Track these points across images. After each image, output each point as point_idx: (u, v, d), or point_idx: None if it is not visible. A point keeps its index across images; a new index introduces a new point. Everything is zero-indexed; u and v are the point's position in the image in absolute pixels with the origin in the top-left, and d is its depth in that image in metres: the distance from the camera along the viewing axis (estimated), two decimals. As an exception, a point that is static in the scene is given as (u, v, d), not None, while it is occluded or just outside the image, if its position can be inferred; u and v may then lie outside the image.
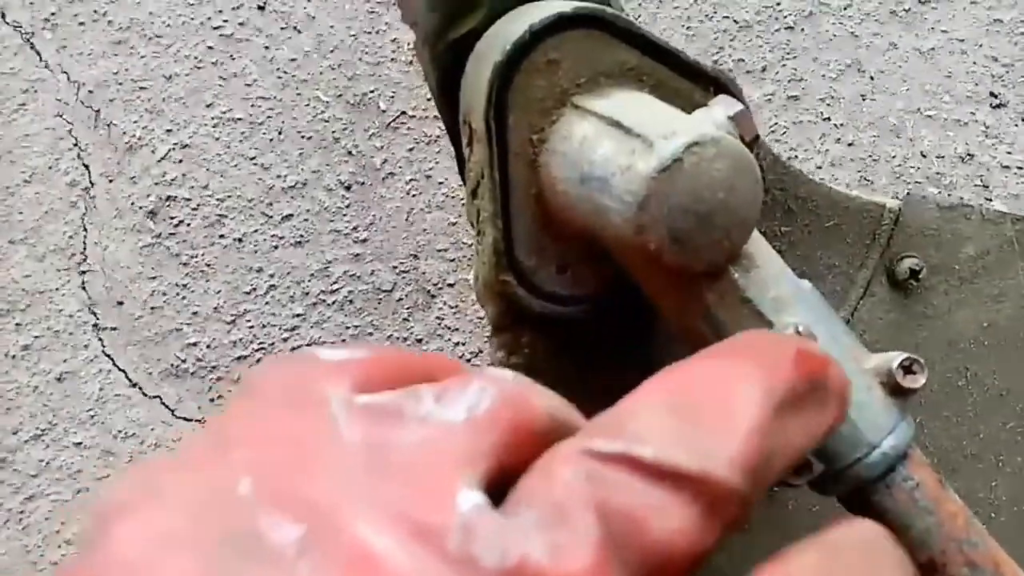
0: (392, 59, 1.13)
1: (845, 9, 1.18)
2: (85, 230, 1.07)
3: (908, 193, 0.69)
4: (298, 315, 1.02)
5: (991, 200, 1.11)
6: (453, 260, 1.07)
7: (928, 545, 0.48)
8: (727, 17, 1.18)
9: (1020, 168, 1.13)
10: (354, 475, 0.25)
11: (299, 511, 0.24)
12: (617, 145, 0.48)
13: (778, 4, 1.19)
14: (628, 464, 0.27)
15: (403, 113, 1.10)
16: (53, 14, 1.15)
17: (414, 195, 1.07)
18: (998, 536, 0.76)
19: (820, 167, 1.13)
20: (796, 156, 1.13)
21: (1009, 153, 1.13)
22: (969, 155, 1.13)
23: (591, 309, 0.59)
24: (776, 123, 1.14)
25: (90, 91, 1.12)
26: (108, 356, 1.03)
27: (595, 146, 0.50)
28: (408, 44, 1.13)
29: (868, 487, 0.49)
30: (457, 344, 1.00)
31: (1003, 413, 0.76)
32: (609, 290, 0.59)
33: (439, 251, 1.05)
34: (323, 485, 0.25)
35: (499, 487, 0.27)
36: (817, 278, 0.67)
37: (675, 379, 0.32)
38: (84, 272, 1.06)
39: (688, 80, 0.55)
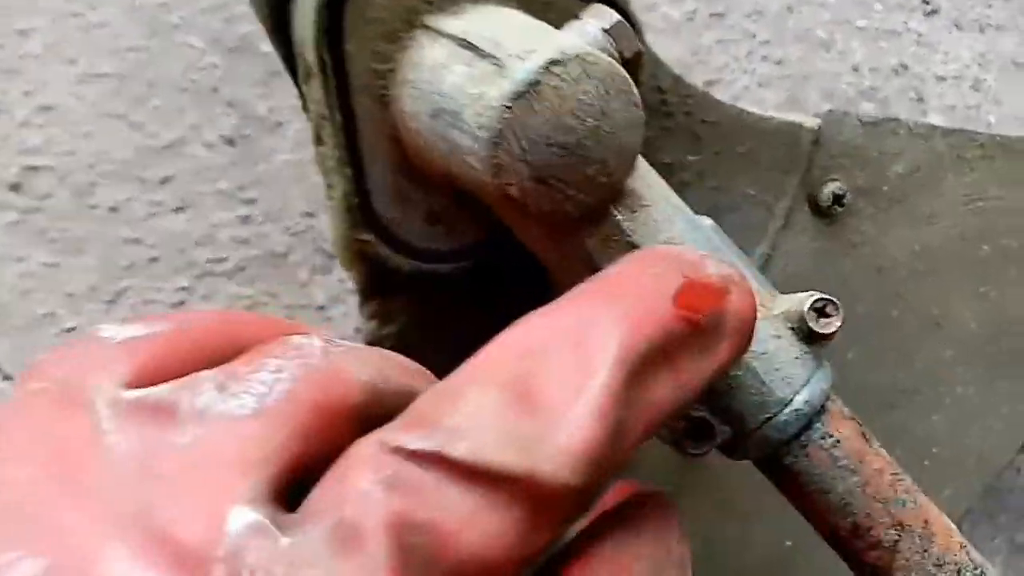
0: (273, -4, 1.02)
1: (766, -86, 1.09)
2: (-61, 209, 0.96)
3: (830, 111, 0.62)
4: (184, 288, 0.92)
5: (927, 114, 1.05)
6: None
7: (852, 508, 0.43)
8: (640, -71, 1.08)
9: (956, 78, 1.07)
10: (117, 493, 0.23)
11: (44, 542, 0.21)
12: (469, 70, 0.40)
13: (694, -88, 1.10)
14: (439, 464, 0.24)
15: (288, 56, 1.00)
16: None
17: (305, 147, 0.97)
18: (940, 470, 0.72)
19: (748, 88, 1.06)
20: (722, 78, 1.05)
21: (944, 63, 1.07)
22: (903, 66, 1.07)
23: (472, 265, 0.52)
24: (699, 43, 1.06)
25: (-70, 51, 0.99)
26: (-23, 348, 0.92)
27: (445, 73, 0.41)
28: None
29: (781, 449, 0.43)
30: (363, 307, 0.92)
31: (940, 341, 0.71)
32: (491, 240, 0.51)
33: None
34: (78, 508, 0.22)
35: (309, 482, 0.24)
36: (732, 211, 0.60)
37: (519, 339, 0.28)
38: (-58, 257, 0.95)
39: (562, -12, 0.47)
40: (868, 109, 1.06)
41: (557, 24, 0.44)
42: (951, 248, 0.69)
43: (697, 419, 0.41)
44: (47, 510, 0.22)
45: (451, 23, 0.44)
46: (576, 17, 0.44)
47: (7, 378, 0.91)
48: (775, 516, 0.72)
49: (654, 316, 0.28)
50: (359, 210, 0.47)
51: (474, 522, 0.23)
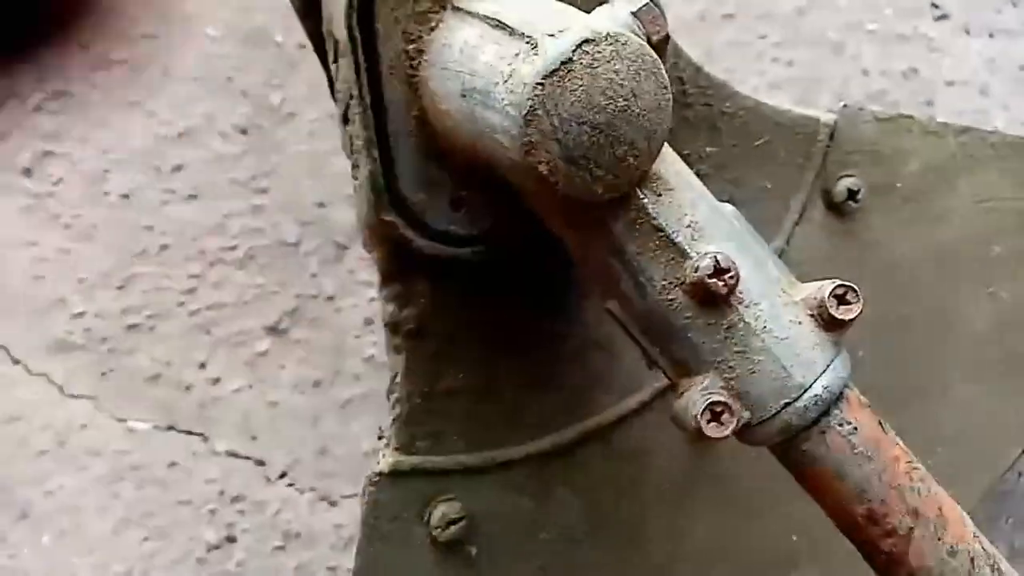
0: (289, -12, 1.02)
1: (779, -82, 1.10)
2: (-49, 193, 0.96)
3: (846, 105, 0.63)
4: (195, 276, 0.92)
5: (936, 117, 1.05)
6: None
7: (867, 495, 0.43)
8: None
9: (965, 83, 1.07)
10: None
11: None
12: (500, 49, 0.40)
13: (708, -85, 1.10)
14: None
15: (302, 47, 1.00)
16: None
17: (318, 137, 0.98)
18: (944, 471, 0.72)
19: (758, 89, 1.06)
20: (733, 79, 1.05)
21: (953, 67, 1.07)
22: (913, 70, 1.07)
23: (494, 249, 0.52)
24: (710, 44, 1.06)
25: (-54, 35, 0.99)
26: (-14, 332, 0.92)
27: (477, 53, 0.42)
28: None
29: (799, 434, 0.43)
30: (372, 300, 0.92)
31: (950, 340, 0.71)
32: (514, 225, 0.51)
33: (348, 197, 0.96)
34: None
35: None
36: (748, 203, 0.60)
37: None
38: (-48, 240, 0.95)
39: (589, -25, 0.47)
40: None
41: (585, 9, 0.44)
42: (962, 247, 0.69)
43: (717, 402, 0.42)
44: None
45: (481, 4, 0.44)
46: (605, 1, 0.45)
47: (17, 362, 0.91)
48: (782, 510, 0.72)
49: None
50: (386, 191, 0.47)
51: None
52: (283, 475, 0.85)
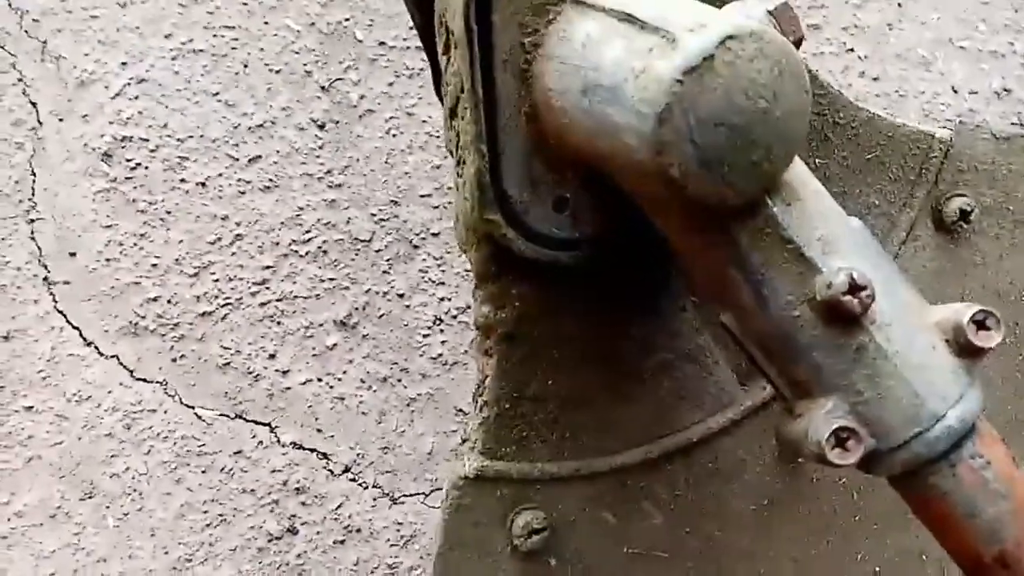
0: (370, -17, 1.02)
1: (872, -72, 1.06)
2: (33, 174, 0.97)
3: (962, 122, 0.60)
4: (267, 267, 0.92)
5: (1029, 140, 1.01)
6: (438, 207, 0.97)
7: (999, 535, 0.40)
8: (741, -63, 1.07)
9: (1061, 105, 1.03)
10: None
11: None
12: (630, 44, 0.39)
13: (798, -77, 1.08)
14: None
15: (382, 43, 0.99)
16: (-8, -68, 1.03)
17: (394, 135, 0.97)
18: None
19: (842, 104, 1.03)
20: (816, 91, 1.02)
21: (1049, 88, 1.03)
22: (1005, 90, 1.03)
23: (593, 254, 0.50)
24: (794, 55, 1.03)
25: (35, 19, 1.00)
26: (60, 312, 0.93)
27: (602, 48, 0.40)
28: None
29: (928, 466, 0.40)
30: (443, 299, 0.91)
31: (1056, 372, 0.68)
32: (616, 230, 0.49)
33: (422, 197, 0.95)
34: None
35: None
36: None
37: None
38: (33, 220, 0.96)
39: (716, -27, 0.45)
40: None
41: (715, 5, 0.43)
42: (1076, 274, 0.65)
43: (844, 428, 0.39)
44: None
45: (605, -2, 0.42)
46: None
47: (89, 344, 0.92)
48: (866, 541, 0.69)
49: None
50: (490, 188, 0.45)
51: None
52: (347, 470, 0.84)
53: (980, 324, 0.40)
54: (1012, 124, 1.03)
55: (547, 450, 0.55)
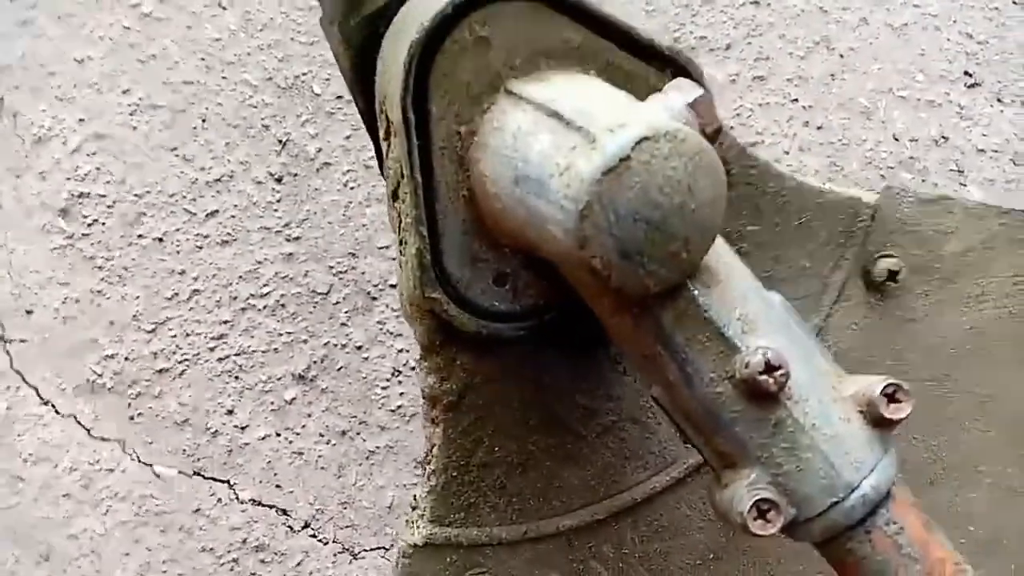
0: (328, 39, 1.04)
1: (812, -17, 1.11)
2: (-11, 231, 0.97)
3: (884, 183, 0.63)
4: (225, 322, 0.93)
5: (966, 186, 1.05)
6: (395, 259, 0.99)
7: (915, 597, 0.42)
8: (689, -8, 1.11)
9: (996, 151, 1.07)
10: None
11: None
12: (556, 139, 0.41)
13: (742, -22, 1.12)
14: None
15: (339, 97, 1.01)
16: (-51, -10, 1.04)
17: (352, 187, 0.99)
18: (973, 552, 0.70)
19: (788, 152, 1.07)
20: (763, 141, 1.06)
21: (984, 135, 1.07)
22: (944, 138, 1.07)
23: (534, 325, 0.52)
24: (741, 105, 1.07)
25: (-8, 76, 1.01)
26: (16, 371, 0.93)
27: (530, 140, 0.42)
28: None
29: (845, 533, 0.42)
30: (401, 351, 0.92)
31: (985, 421, 0.71)
32: (556, 302, 0.51)
33: (380, 248, 0.96)
34: None
35: None
36: (787, 282, 0.60)
37: None
38: (-12, 278, 0.96)
39: (642, 61, 0.48)
40: (907, 179, 1.06)
41: (638, 95, 0.45)
42: (1000, 328, 0.68)
43: (765, 499, 0.41)
44: None
45: (536, 90, 0.45)
46: (658, 89, 0.45)
47: (45, 402, 0.91)
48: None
49: None
50: (431, 268, 0.47)
51: None
52: (306, 525, 0.85)
53: (891, 397, 0.42)
54: (951, 170, 1.07)
55: (495, 515, 0.56)
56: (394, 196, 0.48)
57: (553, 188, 0.39)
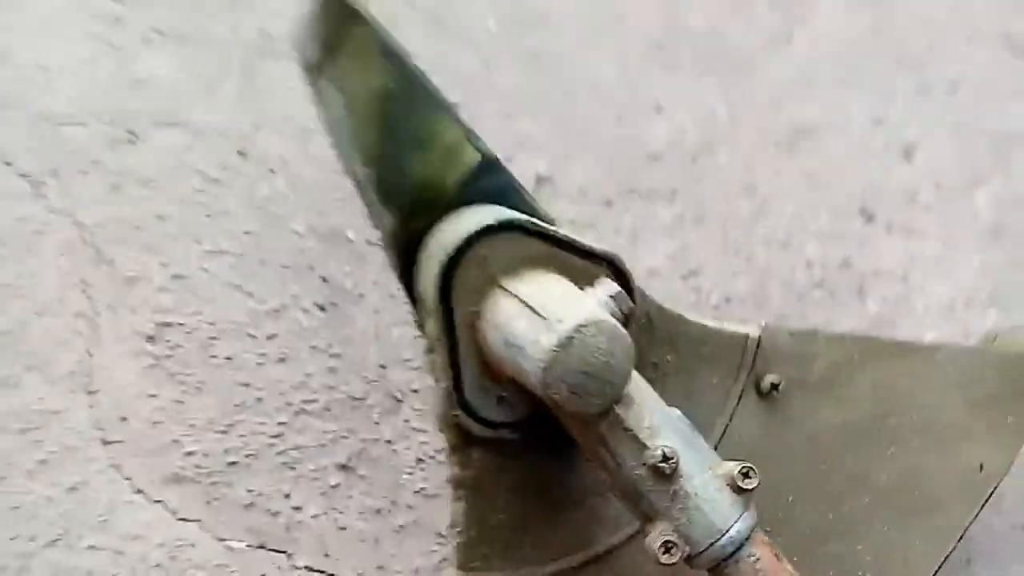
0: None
1: (738, 141, 1.41)
2: (91, 355, 1.22)
3: (766, 324, 0.89)
4: (282, 423, 1.17)
5: (865, 301, 1.32)
6: (417, 368, 1.24)
7: (764, 603, 0.66)
8: (641, 150, 1.40)
9: (890, 272, 1.34)
10: None
11: None
12: (528, 323, 0.67)
13: (683, 137, 1.42)
14: None
15: (369, 243, 1.29)
16: (57, 164, 1.32)
17: (381, 313, 1.24)
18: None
19: (722, 277, 1.33)
20: (702, 269, 1.33)
21: (879, 260, 1.35)
22: (847, 263, 1.34)
23: (526, 431, 0.78)
24: (686, 240, 1.35)
25: (92, 232, 1.27)
26: (115, 467, 1.16)
27: (514, 322, 0.69)
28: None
29: (722, 563, 0.67)
30: (423, 443, 1.17)
31: (860, 492, 0.94)
32: (538, 417, 0.77)
33: (405, 361, 1.22)
34: None
35: None
36: (700, 394, 0.86)
37: None
38: (91, 393, 1.20)
39: (585, 259, 0.75)
40: (818, 297, 1.33)
41: (581, 284, 0.72)
42: (863, 423, 0.93)
43: (668, 541, 0.66)
44: None
45: (518, 286, 0.71)
46: (593, 283, 0.72)
47: (139, 492, 1.15)
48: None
49: None
50: (455, 396, 0.73)
51: None
52: (349, 587, 1.07)
53: (744, 474, 0.67)
54: (853, 289, 1.34)
55: (502, 563, 0.80)
56: (429, 350, 0.75)
57: (528, 353, 0.66)
